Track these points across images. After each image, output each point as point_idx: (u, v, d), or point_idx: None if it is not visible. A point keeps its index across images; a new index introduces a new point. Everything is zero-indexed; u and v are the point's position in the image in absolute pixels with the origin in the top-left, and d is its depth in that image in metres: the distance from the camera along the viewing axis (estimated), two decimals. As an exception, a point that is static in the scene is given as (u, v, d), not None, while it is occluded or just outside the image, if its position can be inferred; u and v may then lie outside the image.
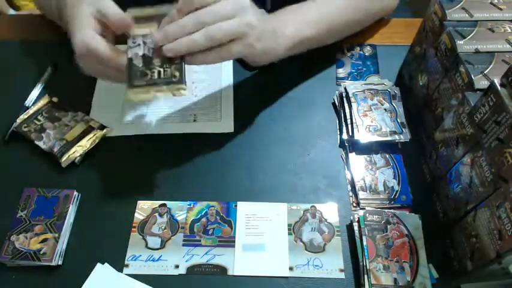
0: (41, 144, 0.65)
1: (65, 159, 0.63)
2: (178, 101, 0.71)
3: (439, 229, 0.57)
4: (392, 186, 0.61)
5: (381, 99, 0.68)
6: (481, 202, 0.48)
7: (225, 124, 0.69)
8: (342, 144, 0.67)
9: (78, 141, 0.65)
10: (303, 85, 0.74)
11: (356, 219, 0.57)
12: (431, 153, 0.61)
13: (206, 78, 0.74)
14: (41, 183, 0.62)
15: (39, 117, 0.67)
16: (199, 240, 0.58)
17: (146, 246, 0.58)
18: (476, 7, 0.58)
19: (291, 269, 0.56)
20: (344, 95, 0.69)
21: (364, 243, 0.55)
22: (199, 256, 0.57)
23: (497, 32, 0.56)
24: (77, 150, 0.64)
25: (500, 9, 0.59)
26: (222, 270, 0.56)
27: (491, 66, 0.52)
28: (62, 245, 0.57)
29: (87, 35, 0.53)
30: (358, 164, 0.64)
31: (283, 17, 0.64)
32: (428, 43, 0.62)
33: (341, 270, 0.56)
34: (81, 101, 0.71)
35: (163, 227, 0.59)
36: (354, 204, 0.61)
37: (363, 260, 0.54)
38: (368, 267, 0.54)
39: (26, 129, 0.66)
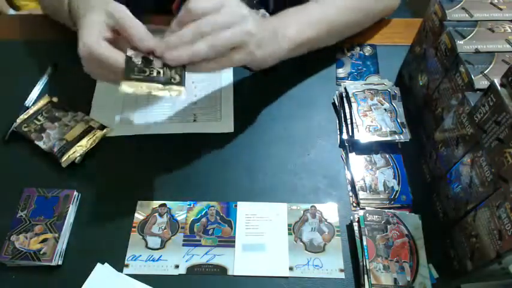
0: (41, 144, 0.65)
1: (65, 159, 0.63)
2: (178, 101, 0.71)
3: (439, 229, 0.57)
4: (392, 186, 0.61)
5: (381, 99, 0.68)
6: (481, 202, 0.48)
7: (225, 124, 0.69)
8: (342, 144, 0.67)
9: (78, 141, 0.65)
10: (303, 85, 0.74)
11: (356, 219, 0.57)
12: (431, 153, 0.61)
13: (206, 78, 0.74)
14: (41, 183, 0.62)
15: (39, 117, 0.68)
16: (199, 240, 0.58)
17: (146, 246, 0.58)
18: (476, 7, 0.58)
19: (291, 269, 0.56)
20: (344, 95, 0.69)
21: (364, 243, 0.55)
22: (199, 256, 0.57)
23: (497, 32, 0.56)
24: (77, 150, 0.64)
25: (500, 9, 0.59)
26: (222, 270, 0.56)
27: (491, 66, 0.52)
28: (62, 245, 0.57)
29: (91, 39, 0.53)
30: (358, 164, 0.64)
31: (285, 19, 0.64)
32: (428, 43, 0.62)
33: (341, 270, 0.56)
34: (81, 101, 0.71)
35: (163, 227, 0.59)
36: (354, 204, 0.61)
37: (363, 260, 0.54)
38: (368, 267, 0.54)
39: (26, 129, 0.66)
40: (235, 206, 0.61)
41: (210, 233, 0.59)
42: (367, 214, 0.57)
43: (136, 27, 0.53)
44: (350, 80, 0.73)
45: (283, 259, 0.57)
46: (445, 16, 0.57)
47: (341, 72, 0.75)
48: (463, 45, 0.54)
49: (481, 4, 0.59)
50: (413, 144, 0.64)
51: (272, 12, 0.65)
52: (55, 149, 0.64)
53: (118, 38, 0.54)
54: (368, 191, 0.61)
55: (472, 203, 0.50)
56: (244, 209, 0.61)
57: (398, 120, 0.65)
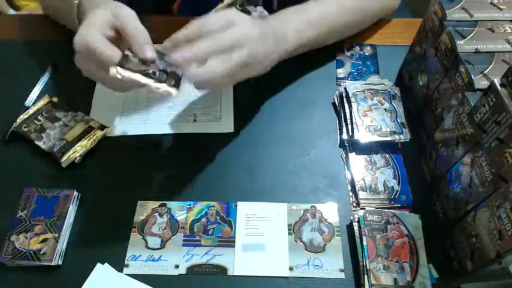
0: (41, 144, 0.65)
1: (65, 159, 0.63)
2: (178, 101, 0.71)
3: (439, 229, 0.57)
4: (392, 186, 0.61)
5: (381, 99, 0.68)
6: (481, 202, 0.48)
7: (225, 124, 0.69)
8: (342, 144, 0.67)
9: (78, 141, 0.65)
10: (303, 85, 0.74)
11: (356, 219, 0.57)
12: (431, 153, 0.61)
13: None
14: (41, 183, 0.62)
15: (39, 117, 0.67)
16: (199, 240, 0.58)
17: (146, 246, 0.58)
18: (476, 7, 0.58)
19: (291, 269, 0.56)
20: (344, 95, 0.69)
21: (364, 243, 0.55)
22: (199, 256, 0.57)
23: (497, 32, 0.56)
24: (77, 150, 0.64)
25: (500, 9, 0.59)
26: (222, 270, 0.56)
27: (491, 66, 0.52)
28: (62, 245, 0.57)
29: (89, 31, 0.52)
30: (358, 164, 0.64)
31: (285, 20, 0.64)
32: (428, 43, 0.62)
33: (341, 270, 0.56)
34: (81, 101, 0.71)
35: (163, 227, 0.59)
36: (354, 204, 0.61)
37: (363, 260, 0.54)
38: (368, 267, 0.54)
39: (26, 129, 0.66)
40: (235, 206, 0.61)
41: (210, 233, 0.59)
42: (367, 214, 0.57)
43: (139, 36, 0.52)
44: (350, 80, 0.73)
45: (283, 259, 0.57)
46: (445, 16, 0.57)
47: (341, 72, 0.75)
48: (463, 45, 0.54)
49: (481, 4, 0.59)
50: (413, 144, 0.64)
51: (275, 10, 0.65)
52: (55, 149, 0.64)
53: (118, 38, 0.54)
54: (368, 191, 0.61)
55: (472, 203, 0.50)
56: (244, 209, 0.61)
57: (398, 120, 0.65)
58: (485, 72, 0.51)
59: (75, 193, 0.61)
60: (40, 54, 0.77)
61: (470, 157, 0.50)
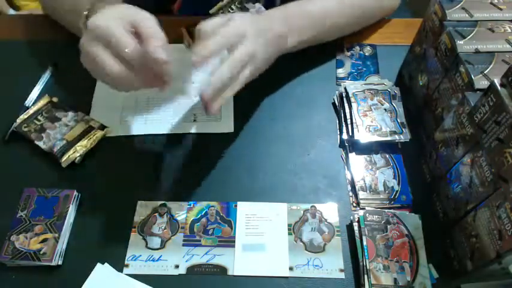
0: (41, 144, 0.65)
1: (65, 159, 0.63)
2: (179, 101, 0.71)
3: (439, 229, 0.57)
4: (392, 186, 0.61)
5: (381, 99, 0.68)
6: (481, 202, 0.48)
7: (225, 124, 0.69)
8: (342, 144, 0.67)
9: (78, 141, 0.65)
10: (303, 85, 0.74)
11: (356, 219, 0.57)
12: (431, 153, 0.61)
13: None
14: (41, 183, 0.62)
15: (39, 117, 0.67)
16: (199, 240, 0.58)
17: (146, 246, 0.58)
18: (476, 7, 0.58)
19: (291, 269, 0.56)
20: (344, 95, 0.69)
21: (364, 243, 0.55)
22: (199, 256, 0.57)
23: (497, 32, 0.56)
24: (77, 150, 0.64)
25: (500, 9, 0.59)
26: (222, 270, 0.56)
27: (491, 66, 0.52)
28: (62, 245, 0.57)
29: (107, 16, 0.50)
30: (358, 164, 0.64)
31: (284, 15, 0.65)
32: (428, 43, 0.62)
33: (341, 270, 0.56)
34: (81, 101, 0.71)
35: (163, 227, 0.59)
36: (354, 204, 0.61)
37: (363, 260, 0.54)
38: (368, 267, 0.54)
39: (26, 129, 0.66)
40: (235, 206, 0.61)
41: (210, 233, 0.59)
42: (367, 214, 0.57)
43: (155, 36, 0.51)
44: (350, 80, 0.73)
45: (283, 259, 0.57)
46: (445, 16, 0.57)
47: (341, 72, 0.75)
48: (463, 45, 0.54)
49: (481, 4, 0.59)
50: (413, 144, 0.64)
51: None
52: (55, 149, 0.64)
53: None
54: (368, 191, 0.61)
55: (472, 203, 0.50)
56: (244, 209, 0.61)
57: (398, 120, 0.65)
58: (485, 72, 0.51)
59: (75, 193, 0.61)
60: (40, 54, 0.77)
61: (470, 157, 0.50)
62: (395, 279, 0.53)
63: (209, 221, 0.60)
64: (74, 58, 0.54)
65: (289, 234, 0.59)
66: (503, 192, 0.44)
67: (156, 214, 0.60)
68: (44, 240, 0.56)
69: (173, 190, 0.63)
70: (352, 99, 0.67)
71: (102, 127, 0.67)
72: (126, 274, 0.56)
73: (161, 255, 0.57)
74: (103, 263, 0.56)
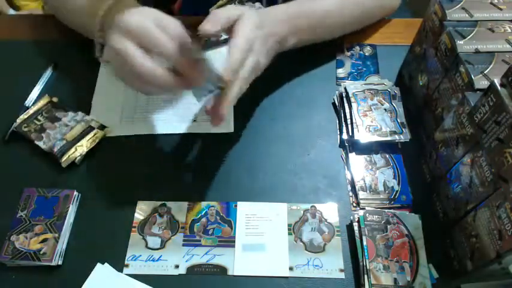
0: (41, 144, 0.65)
1: (65, 159, 0.63)
2: (179, 101, 0.71)
3: (439, 229, 0.57)
4: (392, 186, 0.61)
5: (381, 99, 0.68)
6: (481, 202, 0.48)
7: (225, 124, 0.69)
8: (342, 144, 0.67)
9: (78, 141, 0.65)
10: (303, 85, 0.74)
11: (356, 219, 0.57)
12: (431, 153, 0.61)
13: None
14: (41, 183, 0.62)
15: (39, 117, 0.67)
16: (199, 240, 0.58)
17: (146, 246, 0.58)
18: (476, 7, 0.58)
19: (291, 269, 0.56)
20: (344, 95, 0.69)
21: (364, 243, 0.55)
22: (199, 256, 0.57)
23: (497, 32, 0.56)
24: (77, 150, 0.64)
25: (500, 9, 0.59)
26: (222, 270, 0.56)
27: (491, 66, 0.52)
28: (62, 245, 0.57)
29: (139, 18, 0.50)
30: (358, 164, 0.64)
31: (284, 15, 0.65)
32: (428, 43, 0.62)
33: (341, 270, 0.56)
34: (81, 101, 0.71)
35: (163, 227, 0.59)
36: (354, 204, 0.61)
37: (363, 260, 0.54)
38: (368, 267, 0.54)
39: (26, 129, 0.66)
40: (235, 206, 0.61)
41: (210, 233, 0.59)
42: (367, 214, 0.57)
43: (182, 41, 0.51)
44: (350, 80, 0.73)
45: (283, 259, 0.57)
46: (445, 16, 0.57)
47: (341, 72, 0.75)
48: (463, 45, 0.54)
49: (481, 4, 0.59)
50: (413, 144, 0.64)
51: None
52: (55, 149, 0.64)
53: None
54: (368, 191, 0.61)
55: (472, 203, 0.50)
56: (244, 209, 0.61)
57: (398, 120, 0.65)
58: (485, 72, 0.51)
59: (75, 193, 0.61)
60: (40, 54, 0.77)
61: (470, 157, 0.50)
62: (395, 279, 0.53)
63: (209, 221, 0.60)
64: (74, 58, 0.55)
65: (289, 234, 0.59)
66: (503, 192, 0.44)
67: (156, 214, 0.60)
68: (44, 240, 0.56)
69: (173, 190, 0.63)
70: (352, 99, 0.67)
71: (102, 127, 0.67)
72: (126, 274, 0.56)
73: (161, 255, 0.57)
74: (103, 263, 0.56)
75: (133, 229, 0.59)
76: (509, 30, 0.56)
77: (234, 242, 0.58)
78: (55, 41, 0.78)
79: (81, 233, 0.59)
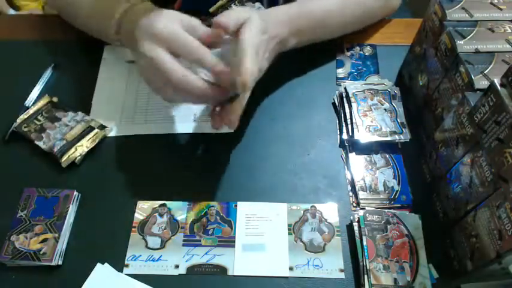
0: (41, 144, 0.65)
1: (65, 159, 0.63)
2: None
3: (439, 229, 0.57)
4: (392, 186, 0.61)
5: (381, 99, 0.68)
6: (481, 202, 0.48)
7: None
8: (342, 144, 0.67)
9: (78, 141, 0.65)
10: (303, 85, 0.74)
11: (356, 219, 0.57)
12: (431, 153, 0.61)
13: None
14: (41, 183, 0.62)
15: (39, 117, 0.68)
16: (199, 240, 0.58)
17: (146, 246, 0.58)
18: (476, 7, 0.58)
19: (291, 269, 0.56)
20: (344, 95, 0.69)
21: (364, 243, 0.55)
22: (199, 256, 0.57)
23: (497, 32, 0.56)
24: (77, 150, 0.64)
25: (500, 9, 0.59)
26: (222, 270, 0.56)
27: (491, 66, 0.52)
28: (62, 245, 0.57)
29: (167, 24, 0.49)
30: (358, 164, 0.64)
31: (285, 16, 0.65)
32: (428, 43, 0.62)
33: (341, 270, 0.56)
34: (81, 101, 0.71)
35: (163, 227, 0.59)
36: (354, 204, 0.61)
37: (363, 260, 0.54)
38: (368, 267, 0.54)
39: (26, 129, 0.66)
40: (235, 206, 0.61)
41: (210, 233, 0.59)
42: (367, 214, 0.57)
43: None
44: (350, 80, 0.73)
45: (283, 259, 0.57)
46: (445, 16, 0.57)
47: (341, 72, 0.75)
48: (463, 45, 0.54)
49: (481, 4, 0.59)
50: (413, 144, 0.64)
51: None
52: (55, 149, 0.64)
53: None
54: (368, 191, 0.61)
55: (472, 203, 0.50)
56: (244, 209, 0.61)
57: (398, 120, 0.65)
58: (485, 72, 0.51)
59: (75, 193, 0.61)
60: (40, 54, 0.77)
61: (470, 157, 0.50)
62: (395, 279, 0.53)
63: (209, 221, 0.60)
64: (74, 58, 0.55)
65: (289, 234, 0.59)
66: (503, 192, 0.44)
67: (156, 214, 0.60)
68: (44, 240, 0.56)
69: (173, 190, 0.62)
70: (352, 99, 0.67)
71: (102, 127, 0.67)
72: (126, 274, 0.56)
73: (161, 255, 0.57)
74: (103, 263, 0.56)
75: (133, 229, 0.59)
76: (509, 30, 0.56)
77: (234, 242, 0.58)
78: (55, 41, 0.78)
79: (81, 233, 0.59)
